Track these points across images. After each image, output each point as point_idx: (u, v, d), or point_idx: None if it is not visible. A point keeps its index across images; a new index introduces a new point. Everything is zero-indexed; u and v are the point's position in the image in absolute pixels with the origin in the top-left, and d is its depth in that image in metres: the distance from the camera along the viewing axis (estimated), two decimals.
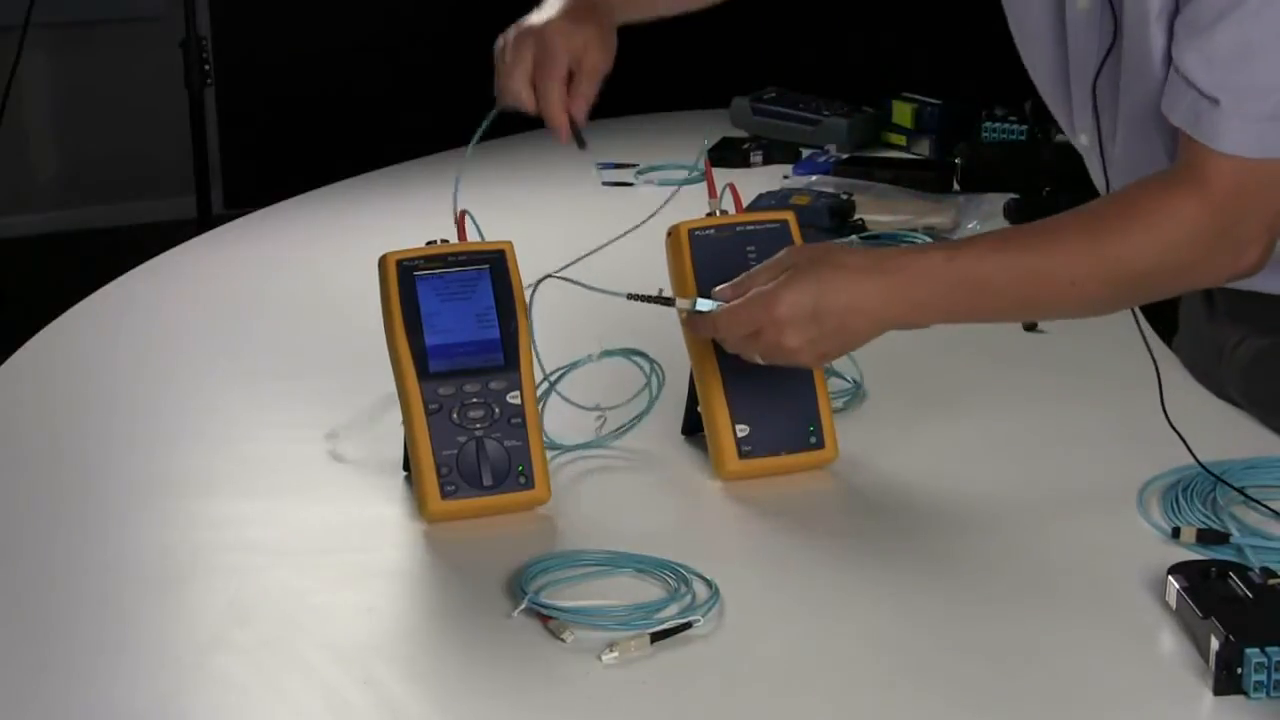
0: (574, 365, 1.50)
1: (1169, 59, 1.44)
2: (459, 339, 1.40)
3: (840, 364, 1.62)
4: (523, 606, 1.25)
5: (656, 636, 1.22)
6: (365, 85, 4.64)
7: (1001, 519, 1.40)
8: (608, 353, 1.50)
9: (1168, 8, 1.43)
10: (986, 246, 1.41)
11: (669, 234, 1.49)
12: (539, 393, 1.45)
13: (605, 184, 2.30)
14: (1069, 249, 1.40)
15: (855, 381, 1.61)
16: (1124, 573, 1.28)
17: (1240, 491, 1.38)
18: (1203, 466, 1.39)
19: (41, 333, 1.84)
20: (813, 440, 1.46)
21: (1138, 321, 1.54)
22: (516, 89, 1.53)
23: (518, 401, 1.40)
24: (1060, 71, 1.61)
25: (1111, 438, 1.53)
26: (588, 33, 1.53)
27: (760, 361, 1.40)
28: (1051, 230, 1.41)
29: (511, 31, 1.56)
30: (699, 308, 1.41)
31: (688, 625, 1.22)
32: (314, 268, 2.06)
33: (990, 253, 1.40)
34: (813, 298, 1.36)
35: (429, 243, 1.43)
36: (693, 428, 1.52)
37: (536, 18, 1.56)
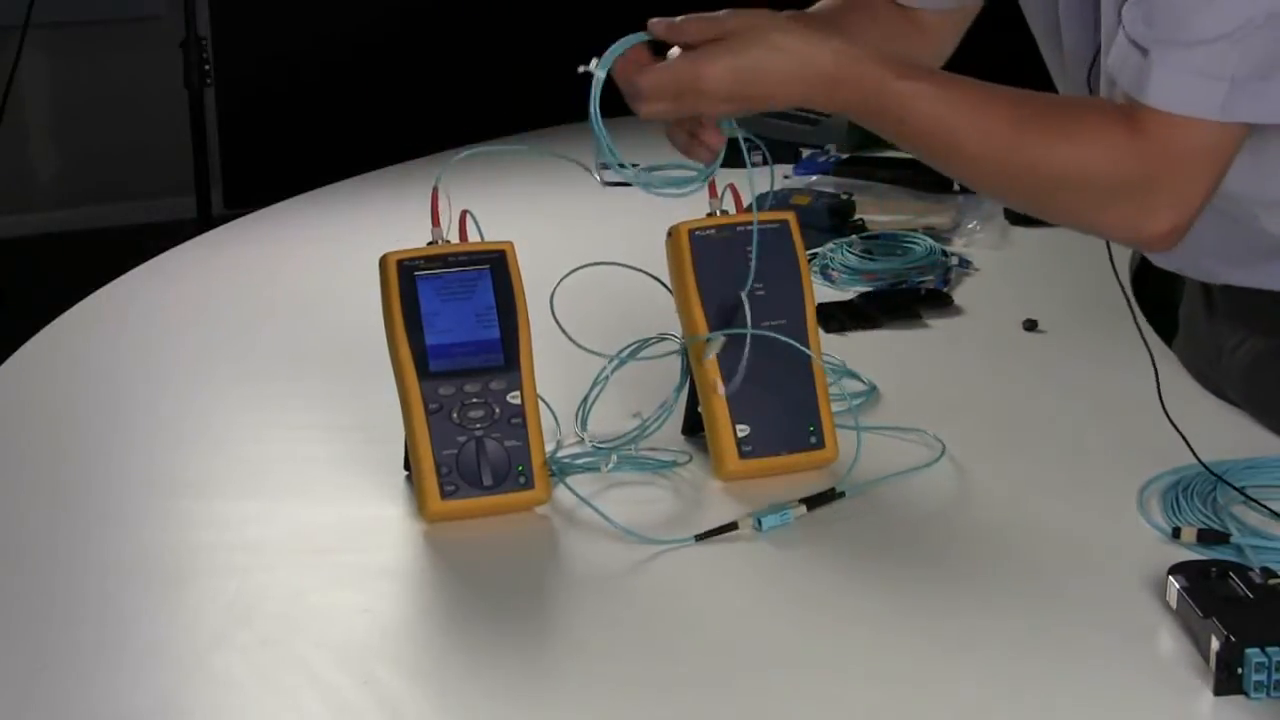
0: (587, 501, 1.44)
1: None
2: (459, 339, 1.40)
3: (854, 367, 1.63)
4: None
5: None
6: (365, 85, 4.65)
7: (1001, 518, 1.40)
8: (624, 461, 1.48)
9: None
10: (925, 88, 1.41)
11: (669, 234, 1.49)
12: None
13: (606, 184, 2.29)
14: (992, 124, 1.41)
15: (871, 384, 1.61)
16: (1124, 573, 1.28)
17: (1240, 491, 1.38)
18: (1202, 464, 1.39)
19: (41, 333, 1.84)
20: (813, 440, 1.46)
21: (1136, 320, 1.54)
22: None
23: (518, 401, 1.40)
24: (1059, 64, 1.62)
25: (1111, 438, 1.53)
26: None
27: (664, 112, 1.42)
28: (987, 99, 1.42)
29: None
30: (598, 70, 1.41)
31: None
32: (314, 268, 2.06)
33: (924, 97, 1.41)
34: (745, 76, 1.38)
35: (429, 243, 1.43)
36: (693, 428, 1.52)
37: None
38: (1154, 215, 1.40)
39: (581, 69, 1.42)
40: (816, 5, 1.73)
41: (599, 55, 1.42)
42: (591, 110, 1.43)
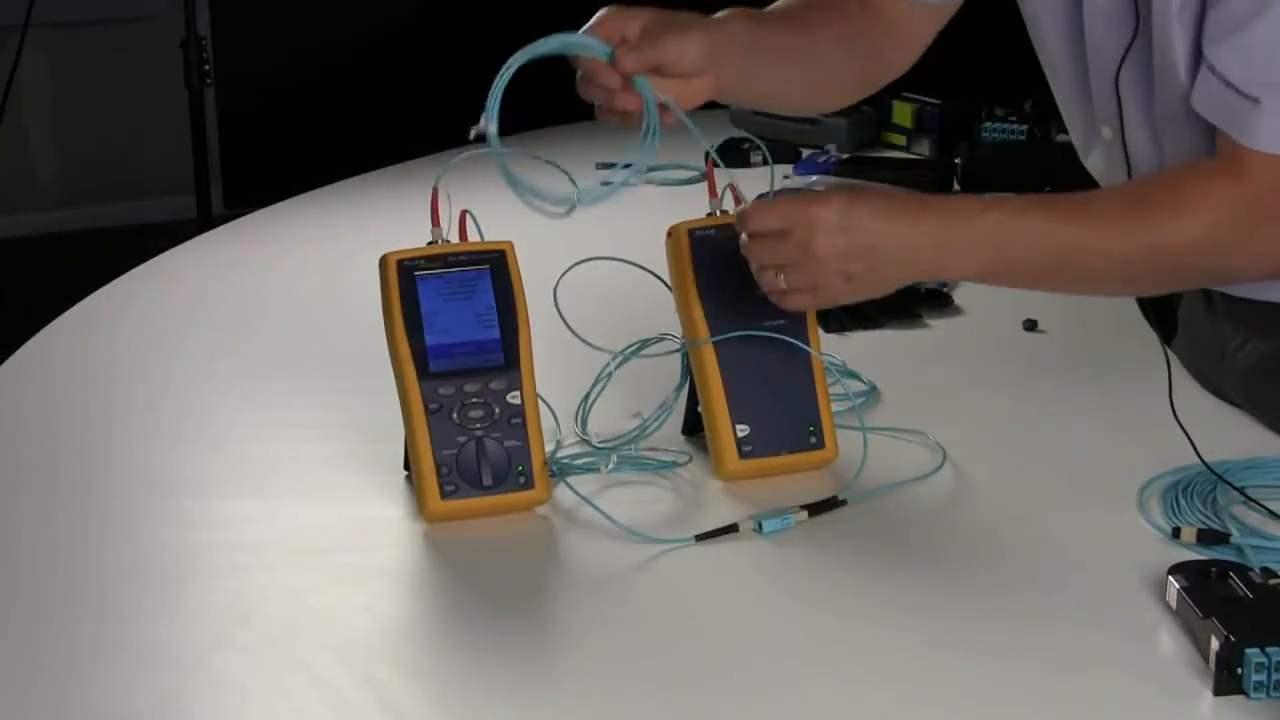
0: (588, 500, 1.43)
1: (1192, 55, 1.44)
2: (459, 339, 1.40)
3: (854, 367, 1.63)
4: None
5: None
6: (365, 85, 4.64)
7: (1001, 518, 1.40)
8: (617, 466, 1.48)
9: (1189, 5, 1.43)
10: (1025, 203, 1.42)
11: (669, 234, 1.49)
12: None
13: (604, 184, 2.29)
14: (1107, 216, 1.42)
15: (871, 384, 1.61)
16: (1124, 573, 1.28)
17: (1240, 491, 1.38)
18: (1204, 463, 1.39)
19: (41, 333, 1.84)
20: (813, 440, 1.46)
21: (1147, 316, 1.54)
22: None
23: (518, 401, 1.40)
24: (1078, 64, 1.61)
25: (1111, 438, 1.52)
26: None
27: (782, 285, 1.38)
28: (1091, 198, 1.44)
29: None
30: None
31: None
32: (314, 268, 2.06)
33: (1028, 210, 1.41)
34: (846, 210, 1.37)
35: (429, 243, 1.43)
36: (693, 428, 1.52)
37: None
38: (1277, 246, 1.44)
39: (474, 131, 1.41)
40: (776, 4, 1.70)
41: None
42: (505, 173, 1.43)
